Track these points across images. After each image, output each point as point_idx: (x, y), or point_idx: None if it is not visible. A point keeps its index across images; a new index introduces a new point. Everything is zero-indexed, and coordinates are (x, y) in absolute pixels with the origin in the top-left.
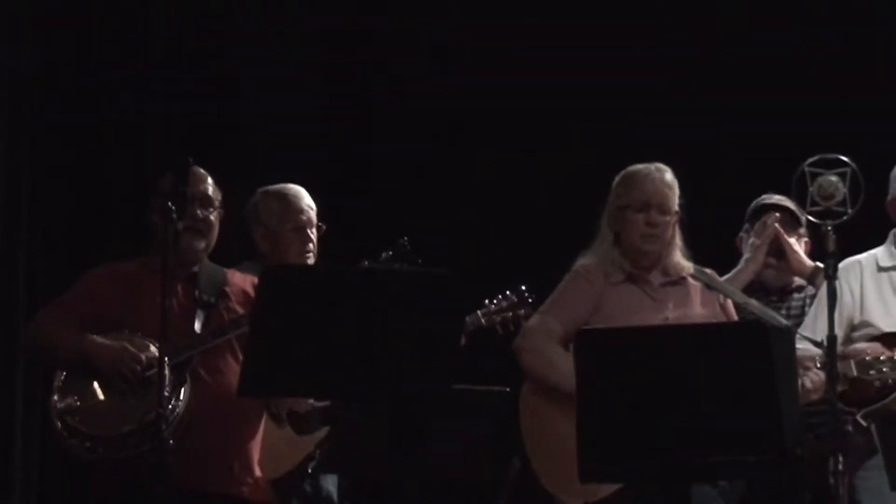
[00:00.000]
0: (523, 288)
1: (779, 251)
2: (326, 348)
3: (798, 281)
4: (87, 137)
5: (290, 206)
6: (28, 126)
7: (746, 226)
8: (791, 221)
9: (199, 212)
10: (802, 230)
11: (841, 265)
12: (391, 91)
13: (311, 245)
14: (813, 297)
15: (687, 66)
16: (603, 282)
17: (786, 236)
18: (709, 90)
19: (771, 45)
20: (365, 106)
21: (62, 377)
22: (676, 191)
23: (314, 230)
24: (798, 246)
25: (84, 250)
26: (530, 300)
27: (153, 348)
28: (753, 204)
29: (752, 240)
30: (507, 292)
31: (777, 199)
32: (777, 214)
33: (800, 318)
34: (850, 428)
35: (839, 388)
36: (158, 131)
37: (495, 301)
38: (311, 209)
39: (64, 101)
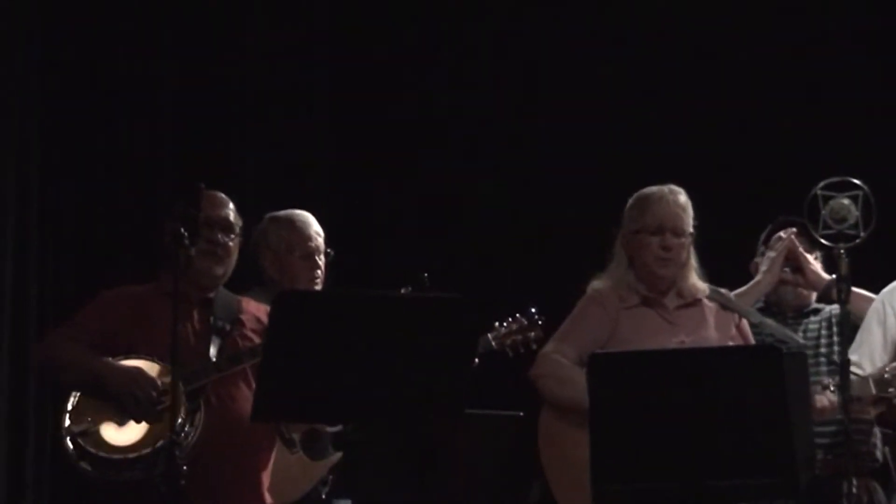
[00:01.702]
0: (533, 310)
1: (795, 265)
2: (339, 373)
3: (815, 304)
4: (97, 160)
5: (299, 234)
6: (39, 146)
7: (762, 248)
8: (808, 240)
9: (219, 236)
10: (818, 253)
11: (886, 289)
12: (402, 117)
13: (319, 272)
14: (829, 319)
15: (700, 87)
16: (617, 306)
17: (801, 250)
18: (721, 111)
19: (785, 67)
20: (375, 134)
21: (75, 398)
22: (690, 212)
23: (322, 256)
24: (816, 262)
25: (94, 271)
26: (540, 322)
27: (168, 373)
28: (769, 227)
29: (768, 253)
30: (517, 315)
31: (791, 218)
32: (794, 228)
33: (816, 340)
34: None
35: (877, 411)
36: (168, 155)
37: (505, 324)
38: (320, 236)
39: (74, 121)
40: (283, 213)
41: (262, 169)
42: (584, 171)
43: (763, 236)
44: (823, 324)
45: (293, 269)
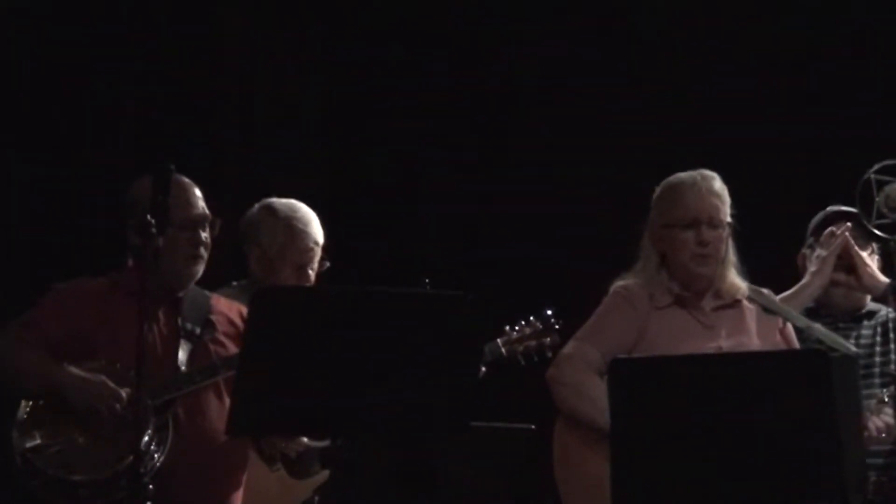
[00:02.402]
0: (549, 312)
1: (848, 265)
2: (326, 381)
3: (870, 305)
4: (52, 142)
5: (296, 242)
6: None
7: (810, 240)
8: (863, 234)
9: (202, 235)
10: (875, 246)
11: None
12: (400, 112)
13: (308, 284)
14: (885, 324)
15: (729, 61)
16: (648, 305)
17: (856, 248)
18: (758, 88)
19: (833, 41)
20: (371, 126)
21: (26, 409)
22: (727, 200)
23: (315, 266)
24: (871, 259)
25: (47, 261)
26: (557, 327)
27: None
28: (819, 216)
29: (818, 251)
30: (531, 318)
31: (844, 208)
32: (848, 224)
33: (870, 348)
34: None
35: None
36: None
37: (517, 328)
38: (318, 245)
39: (26, 99)
40: (282, 205)
41: (252, 163)
42: (606, 157)
43: (812, 226)
44: (879, 329)
45: (280, 276)
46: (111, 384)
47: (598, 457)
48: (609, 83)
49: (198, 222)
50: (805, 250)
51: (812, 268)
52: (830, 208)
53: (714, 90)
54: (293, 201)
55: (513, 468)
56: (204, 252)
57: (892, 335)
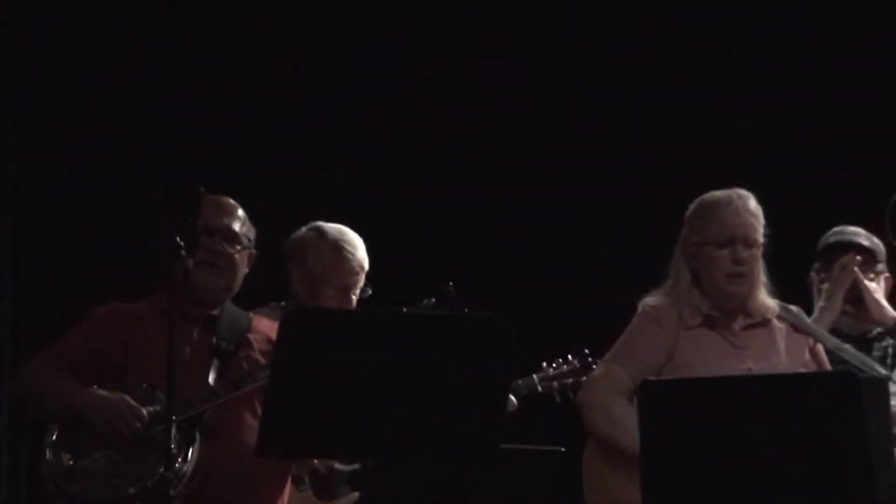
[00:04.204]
0: (587, 351)
1: (857, 298)
2: (356, 403)
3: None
4: (84, 163)
5: (342, 265)
6: (14, 149)
7: (817, 264)
8: (867, 259)
9: (219, 247)
10: (881, 266)
11: None
12: (428, 130)
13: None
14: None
15: (752, 79)
16: (677, 325)
17: (865, 282)
18: (781, 104)
19: (855, 55)
20: (402, 144)
21: (55, 433)
22: (762, 219)
23: (357, 292)
24: (879, 289)
25: (81, 286)
26: (594, 366)
27: (158, 402)
28: (823, 239)
29: (826, 286)
30: (569, 356)
31: (850, 233)
32: (858, 258)
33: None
34: None
35: None
36: (163, 158)
37: (554, 365)
38: (363, 270)
39: (55, 120)
40: (331, 229)
41: (272, 170)
42: (637, 180)
43: (820, 248)
44: (891, 350)
45: (323, 298)
46: (132, 402)
47: (628, 480)
48: (641, 100)
49: (215, 231)
50: (812, 273)
51: (821, 303)
52: (835, 231)
53: (743, 105)
54: (342, 226)
55: (543, 491)
56: (222, 264)
57: None
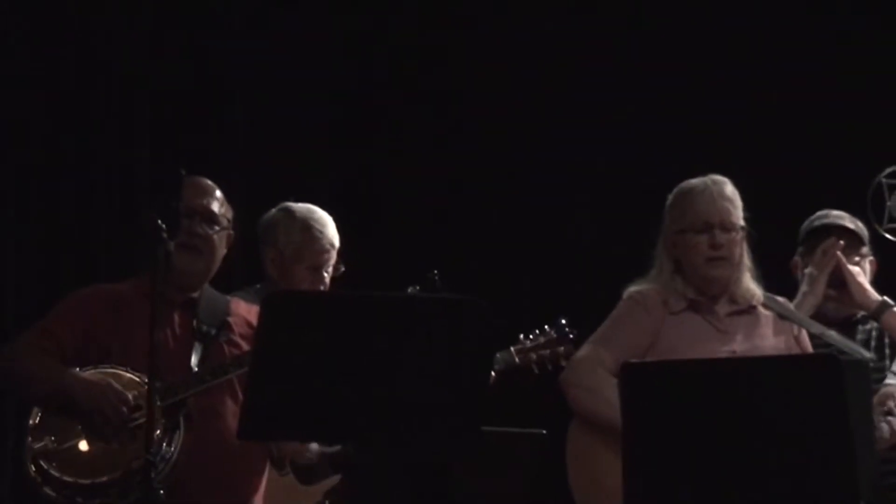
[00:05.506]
0: (563, 322)
1: (840, 281)
2: (337, 385)
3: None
4: (66, 149)
5: (312, 244)
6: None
7: (801, 248)
8: (851, 242)
9: (198, 228)
10: (865, 249)
11: None
12: (412, 116)
13: (322, 287)
14: (880, 329)
15: (733, 62)
16: (662, 310)
17: (848, 266)
18: (763, 88)
19: (842, 38)
20: (383, 129)
21: (38, 415)
22: (739, 204)
23: (330, 270)
24: (862, 273)
25: (64, 268)
26: (571, 336)
27: (143, 385)
28: (807, 223)
29: (809, 269)
30: (546, 327)
31: (834, 216)
32: (841, 242)
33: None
34: None
35: None
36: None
37: (531, 336)
38: (334, 248)
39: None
40: (300, 209)
41: (259, 165)
42: (618, 166)
43: (802, 233)
44: (874, 333)
45: (295, 278)
46: (117, 387)
47: (612, 458)
48: (623, 88)
49: (195, 212)
50: (796, 257)
51: (804, 287)
52: (819, 216)
53: (725, 92)
54: (310, 205)
55: (524, 473)
56: (201, 246)
57: (887, 340)
